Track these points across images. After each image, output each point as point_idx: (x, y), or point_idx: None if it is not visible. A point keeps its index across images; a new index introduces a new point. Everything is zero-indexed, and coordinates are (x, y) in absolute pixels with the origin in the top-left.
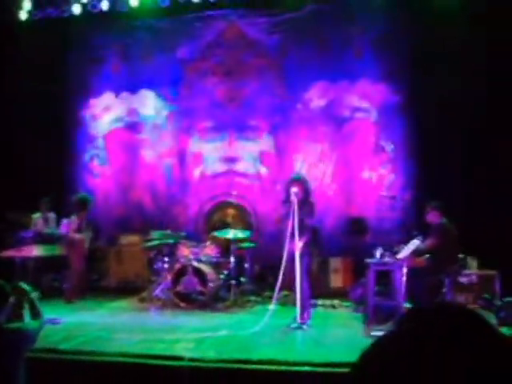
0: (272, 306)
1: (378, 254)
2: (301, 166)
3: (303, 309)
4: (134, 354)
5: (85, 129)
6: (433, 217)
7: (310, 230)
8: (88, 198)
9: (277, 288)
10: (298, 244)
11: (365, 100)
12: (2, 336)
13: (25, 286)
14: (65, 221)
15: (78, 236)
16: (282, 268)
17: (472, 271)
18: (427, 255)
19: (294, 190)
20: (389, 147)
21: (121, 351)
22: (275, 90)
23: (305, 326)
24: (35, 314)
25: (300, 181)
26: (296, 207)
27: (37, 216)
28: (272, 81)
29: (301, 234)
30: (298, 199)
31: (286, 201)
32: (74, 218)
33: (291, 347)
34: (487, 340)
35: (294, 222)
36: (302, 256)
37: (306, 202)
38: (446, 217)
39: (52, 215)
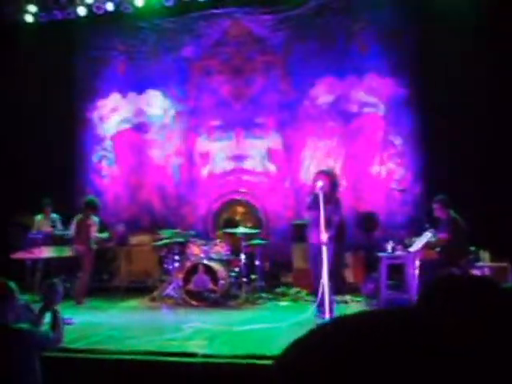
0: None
1: (389, 247)
2: (309, 162)
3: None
4: (147, 351)
5: (92, 130)
6: (439, 211)
7: (336, 226)
8: (95, 200)
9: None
10: (324, 236)
11: (372, 94)
12: (9, 336)
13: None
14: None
15: (99, 236)
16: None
17: (484, 263)
18: (438, 248)
19: (320, 183)
20: (398, 141)
21: (133, 349)
22: (282, 86)
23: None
24: (54, 326)
25: (327, 174)
26: (322, 200)
27: (40, 218)
28: (278, 78)
29: (326, 229)
30: (324, 192)
31: (311, 193)
32: (95, 219)
33: None
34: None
35: (320, 214)
36: (328, 251)
37: (332, 196)
38: (455, 209)
39: (55, 216)
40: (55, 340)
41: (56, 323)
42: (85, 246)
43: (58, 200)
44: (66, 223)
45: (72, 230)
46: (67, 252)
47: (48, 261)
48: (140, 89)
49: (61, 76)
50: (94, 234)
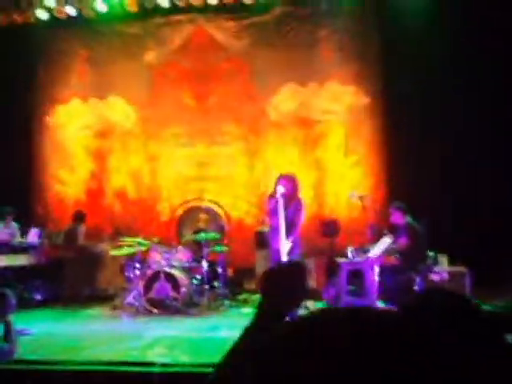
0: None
1: (349, 253)
2: (272, 169)
3: None
4: (105, 361)
5: (52, 136)
6: (396, 217)
7: (299, 229)
8: (84, 213)
9: None
10: (286, 242)
11: (334, 102)
12: None
13: None
14: (33, 230)
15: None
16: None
17: (443, 268)
18: (397, 254)
19: (281, 188)
20: (359, 148)
21: (92, 359)
22: (245, 93)
23: None
24: (6, 338)
25: (288, 177)
26: (282, 204)
27: None
28: (241, 85)
29: (289, 233)
30: (285, 195)
31: (273, 196)
32: (83, 229)
33: None
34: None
35: (281, 219)
36: (291, 255)
37: (293, 199)
38: (414, 215)
39: (14, 225)
40: (8, 352)
41: (9, 335)
42: (76, 254)
43: (16, 207)
44: (24, 231)
45: (60, 239)
46: (24, 260)
47: (3, 270)
48: (101, 94)
49: (20, 81)
50: (83, 241)
